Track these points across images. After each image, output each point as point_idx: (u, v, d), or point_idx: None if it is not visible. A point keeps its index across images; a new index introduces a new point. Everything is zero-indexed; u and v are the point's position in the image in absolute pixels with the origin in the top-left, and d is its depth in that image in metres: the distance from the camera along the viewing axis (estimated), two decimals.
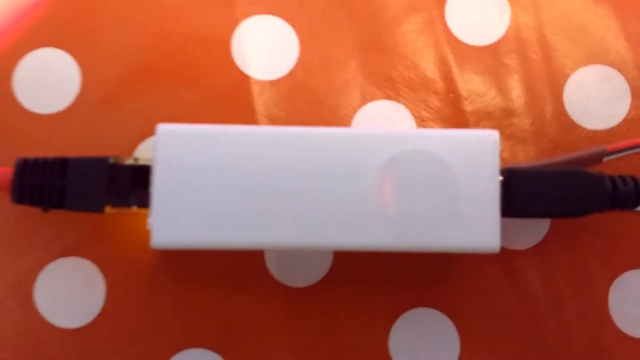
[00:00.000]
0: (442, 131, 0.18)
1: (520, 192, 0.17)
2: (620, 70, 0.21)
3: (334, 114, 0.20)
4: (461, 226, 0.16)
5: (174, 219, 0.16)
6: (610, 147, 0.20)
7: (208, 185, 0.16)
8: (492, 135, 0.17)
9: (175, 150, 0.16)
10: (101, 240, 0.20)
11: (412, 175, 0.16)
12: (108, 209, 0.17)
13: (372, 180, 0.16)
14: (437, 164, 0.16)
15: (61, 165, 0.17)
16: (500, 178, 0.17)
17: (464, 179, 0.16)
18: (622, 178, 0.17)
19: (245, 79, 0.20)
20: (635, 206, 0.17)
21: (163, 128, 0.16)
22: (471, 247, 0.16)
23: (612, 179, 0.17)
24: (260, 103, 0.20)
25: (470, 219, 0.16)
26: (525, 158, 0.20)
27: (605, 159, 0.20)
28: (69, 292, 0.19)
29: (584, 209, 0.17)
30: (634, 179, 0.17)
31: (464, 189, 0.16)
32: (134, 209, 0.17)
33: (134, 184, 0.17)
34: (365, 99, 0.21)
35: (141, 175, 0.17)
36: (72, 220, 0.19)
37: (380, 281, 0.20)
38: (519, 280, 0.20)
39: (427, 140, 0.17)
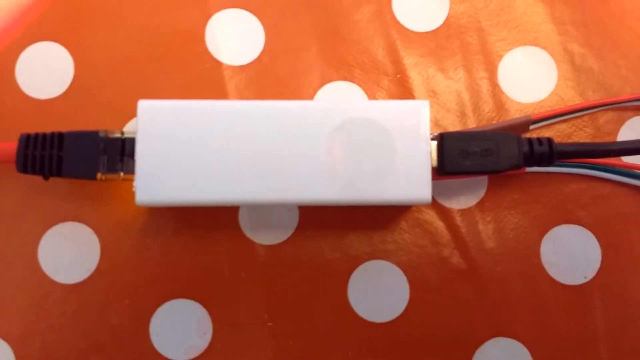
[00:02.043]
0: (381, 102, 0.21)
1: (450, 152, 0.20)
2: (547, 50, 0.24)
3: (297, 95, 0.23)
4: (398, 181, 0.19)
5: (154, 180, 0.19)
6: (535, 116, 0.23)
7: (183, 151, 0.19)
8: (423, 104, 0.19)
9: (154, 122, 0.19)
10: (95, 206, 0.22)
11: (357, 139, 0.19)
12: (99, 176, 0.20)
13: (323, 144, 0.19)
14: (377, 129, 0.19)
15: (58, 139, 0.20)
16: (434, 142, 0.20)
17: (400, 141, 0.19)
18: (539, 139, 0.20)
19: (217, 65, 0.23)
20: (550, 164, 0.20)
21: (143, 103, 0.19)
22: (407, 200, 0.19)
23: (529, 140, 0.20)
24: (231, 86, 0.23)
25: (406, 176, 0.19)
26: (464, 128, 0.23)
27: (532, 126, 0.23)
28: (68, 252, 0.22)
29: (505, 165, 0.20)
30: (549, 140, 0.20)
31: (400, 149, 0.19)
32: (122, 175, 0.20)
33: (121, 153, 0.20)
34: (324, 81, 0.23)
35: (127, 146, 0.20)
36: (69, 190, 0.22)
37: (339, 238, 0.22)
38: (461, 235, 0.23)
39: (369, 109, 0.19)
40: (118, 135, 0.20)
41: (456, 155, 0.20)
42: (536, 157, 0.20)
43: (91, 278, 0.22)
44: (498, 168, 0.20)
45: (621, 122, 0.23)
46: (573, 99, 0.23)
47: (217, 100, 0.20)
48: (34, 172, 0.20)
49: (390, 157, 0.19)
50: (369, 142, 0.19)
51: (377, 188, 0.19)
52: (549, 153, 0.20)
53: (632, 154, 0.21)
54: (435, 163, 0.20)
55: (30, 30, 0.23)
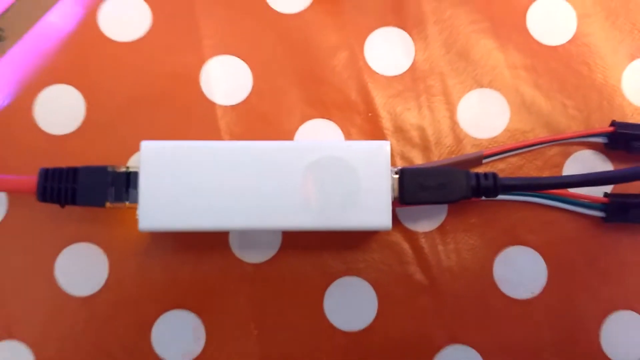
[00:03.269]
0: (349, 142, 0.24)
1: (410, 185, 0.23)
2: (501, 92, 0.27)
3: (280, 131, 0.26)
4: (363, 211, 0.22)
5: (155, 209, 0.22)
6: (486, 151, 0.26)
7: (180, 184, 0.22)
8: (385, 144, 0.22)
9: (154, 160, 0.22)
10: (105, 230, 0.25)
11: (327, 175, 0.22)
12: (108, 205, 0.23)
13: (299, 179, 0.22)
14: (345, 166, 0.22)
15: (73, 173, 0.23)
16: (396, 176, 0.23)
17: (365, 177, 0.22)
18: (485, 174, 0.23)
19: (211, 105, 0.26)
20: (495, 195, 0.23)
21: (145, 144, 0.22)
22: (370, 226, 0.22)
23: (476, 175, 0.23)
24: (223, 123, 0.26)
25: (369, 206, 0.22)
26: (427, 161, 0.26)
27: (485, 161, 0.26)
28: (81, 269, 0.25)
29: (455, 196, 0.23)
30: (494, 175, 0.23)
31: (364, 184, 0.22)
32: (127, 204, 0.23)
33: (126, 185, 0.23)
34: (304, 119, 0.26)
35: (132, 179, 0.23)
36: (82, 215, 0.25)
37: (317, 257, 0.25)
38: (423, 255, 0.25)
39: (338, 149, 0.22)
40: (124, 169, 0.23)
41: (415, 188, 0.23)
42: (482, 190, 0.23)
43: (101, 292, 0.25)
44: (450, 199, 0.23)
45: (567, 155, 0.26)
46: (524, 135, 0.26)
47: (209, 141, 0.23)
48: (52, 201, 0.23)
49: (356, 190, 0.22)
50: (337, 177, 0.22)
51: (344, 217, 0.22)
52: (493, 186, 0.23)
53: (568, 187, 0.24)
54: (397, 194, 0.23)
55: (47, 75, 0.26)
